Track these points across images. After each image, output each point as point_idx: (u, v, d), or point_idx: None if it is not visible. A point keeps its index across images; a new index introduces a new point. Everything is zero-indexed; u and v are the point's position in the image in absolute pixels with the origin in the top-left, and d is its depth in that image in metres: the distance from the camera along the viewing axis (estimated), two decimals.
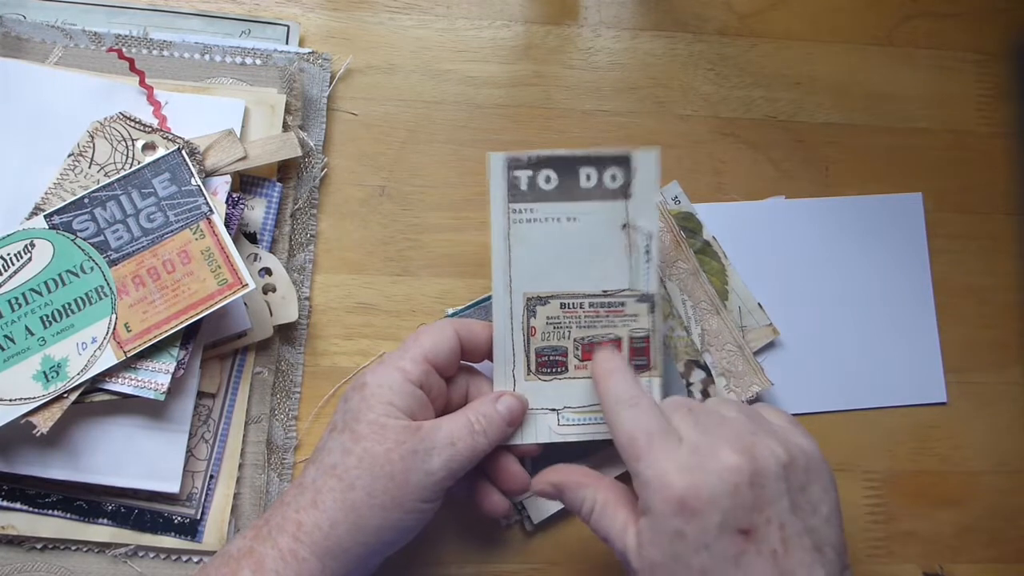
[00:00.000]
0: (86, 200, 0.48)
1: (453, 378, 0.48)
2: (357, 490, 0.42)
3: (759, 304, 0.55)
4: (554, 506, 0.52)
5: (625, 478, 0.51)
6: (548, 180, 0.48)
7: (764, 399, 0.54)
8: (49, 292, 0.47)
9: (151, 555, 0.49)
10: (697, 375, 0.52)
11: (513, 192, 0.48)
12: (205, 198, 0.48)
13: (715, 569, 0.37)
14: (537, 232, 0.48)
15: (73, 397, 0.46)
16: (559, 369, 0.48)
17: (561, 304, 0.48)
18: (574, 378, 0.48)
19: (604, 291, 0.48)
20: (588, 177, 0.48)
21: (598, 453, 0.51)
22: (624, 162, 0.48)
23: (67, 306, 0.47)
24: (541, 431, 0.48)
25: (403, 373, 0.44)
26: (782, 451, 0.39)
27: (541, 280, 0.48)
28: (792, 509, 0.39)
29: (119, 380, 0.47)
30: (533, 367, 0.48)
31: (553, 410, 0.48)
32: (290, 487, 0.44)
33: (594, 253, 0.48)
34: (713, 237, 0.56)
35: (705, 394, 0.52)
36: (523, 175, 0.48)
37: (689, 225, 0.55)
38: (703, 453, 0.39)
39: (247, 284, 0.47)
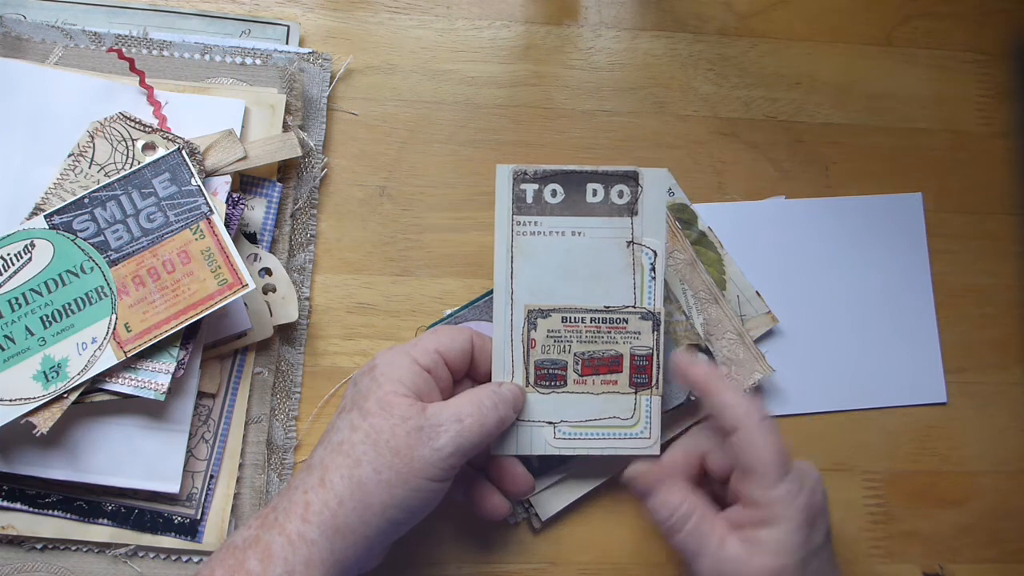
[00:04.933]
0: (86, 200, 0.48)
1: (459, 383, 0.48)
2: (363, 466, 0.42)
3: (757, 292, 0.55)
4: (562, 503, 0.52)
5: (610, 482, 0.52)
6: (554, 194, 0.48)
7: (765, 387, 0.54)
8: (49, 292, 0.47)
9: (151, 555, 0.49)
10: (699, 359, 0.52)
11: (519, 204, 0.48)
12: (205, 198, 0.48)
13: (824, 570, 0.44)
14: (541, 245, 0.48)
15: (73, 397, 0.46)
16: (558, 383, 0.48)
17: (563, 318, 0.48)
18: (572, 392, 0.48)
19: (607, 307, 0.48)
20: (595, 193, 0.48)
21: (581, 462, 0.52)
22: (632, 179, 0.48)
23: (67, 306, 0.47)
24: (537, 443, 0.48)
25: (412, 357, 0.45)
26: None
27: (543, 293, 0.48)
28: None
29: (119, 380, 0.47)
30: (532, 379, 0.48)
31: (550, 423, 0.48)
32: (298, 470, 0.44)
33: (598, 268, 0.48)
34: (709, 227, 0.56)
35: None
36: (529, 188, 0.48)
37: (684, 216, 0.56)
38: (803, 470, 0.45)
39: (247, 284, 0.47)
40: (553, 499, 0.52)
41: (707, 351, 0.52)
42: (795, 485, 0.44)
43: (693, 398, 0.51)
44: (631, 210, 0.48)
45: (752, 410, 0.45)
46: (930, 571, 0.54)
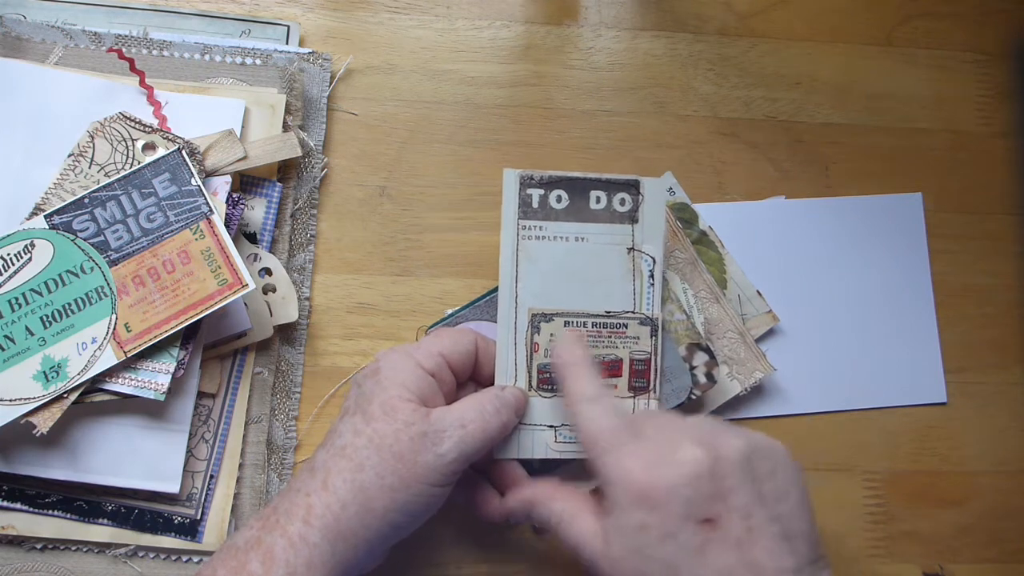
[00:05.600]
0: (86, 200, 0.48)
1: (463, 386, 0.48)
2: (366, 470, 0.42)
3: (758, 292, 0.55)
4: None
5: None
6: (559, 199, 0.49)
7: (766, 387, 0.54)
8: (49, 292, 0.47)
9: (151, 555, 0.49)
10: (700, 358, 0.52)
11: (524, 209, 0.49)
12: (205, 198, 0.48)
13: (680, 560, 0.38)
14: (545, 249, 0.49)
15: (73, 397, 0.46)
16: (560, 387, 0.48)
17: (565, 322, 0.49)
18: None
19: (607, 312, 0.49)
20: (598, 200, 0.49)
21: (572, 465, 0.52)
22: (633, 188, 0.49)
23: (67, 306, 0.47)
24: (538, 446, 0.48)
25: (416, 360, 0.45)
26: (742, 443, 0.40)
27: (547, 297, 0.49)
28: (757, 499, 0.39)
29: (119, 380, 0.47)
30: (534, 383, 0.48)
31: (551, 427, 0.48)
32: (299, 472, 0.44)
33: (600, 274, 0.49)
34: (710, 227, 0.56)
35: (709, 377, 0.52)
36: (535, 193, 0.49)
37: (685, 216, 0.56)
38: (664, 447, 0.40)
39: (247, 284, 0.47)
40: None
41: (708, 350, 0.52)
42: (624, 468, 0.39)
43: (694, 397, 0.51)
44: (632, 218, 0.49)
45: (578, 393, 0.43)
46: (930, 571, 0.54)
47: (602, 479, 0.40)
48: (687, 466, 0.39)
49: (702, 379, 0.52)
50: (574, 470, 0.52)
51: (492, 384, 0.48)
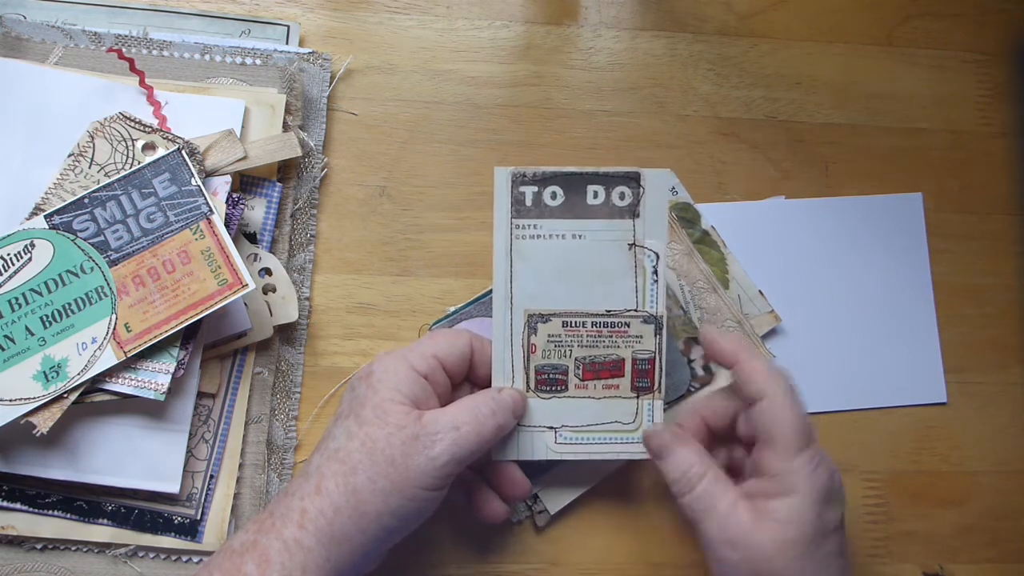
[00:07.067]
0: (86, 200, 0.48)
1: (459, 387, 0.48)
2: (359, 474, 0.42)
3: (760, 292, 0.55)
4: (566, 499, 0.52)
5: (611, 482, 0.52)
6: (554, 196, 0.47)
7: None
8: (49, 292, 0.47)
9: (151, 555, 0.49)
10: (697, 352, 0.52)
11: (517, 208, 0.47)
12: (205, 198, 0.48)
13: (832, 556, 0.43)
14: (541, 248, 0.47)
15: (73, 397, 0.46)
16: (559, 388, 0.48)
17: (563, 322, 0.48)
18: (574, 397, 0.48)
19: (608, 311, 0.48)
20: (595, 194, 0.47)
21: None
22: (633, 181, 0.48)
23: (67, 306, 0.47)
24: (538, 448, 0.48)
25: (409, 363, 0.45)
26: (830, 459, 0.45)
27: (543, 297, 0.48)
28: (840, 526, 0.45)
29: (119, 380, 0.47)
30: (532, 384, 0.48)
31: (551, 428, 0.48)
32: (295, 476, 0.44)
33: (599, 271, 0.48)
34: (712, 227, 0.56)
35: (707, 370, 0.51)
36: (528, 191, 0.47)
37: (687, 215, 0.56)
38: (823, 453, 0.45)
39: (247, 284, 0.47)
40: (562, 493, 0.52)
41: None
42: (815, 460, 0.43)
43: (693, 390, 0.51)
44: (633, 212, 0.48)
45: (779, 379, 0.44)
46: (930, 571, 0.54)
47: (788, 468, 0.43)
48: (838, 473, 0.45)
49: (700, 371, 0.52)
50: (578, 465, 0.52)
51: (489, 386, 0.48)
